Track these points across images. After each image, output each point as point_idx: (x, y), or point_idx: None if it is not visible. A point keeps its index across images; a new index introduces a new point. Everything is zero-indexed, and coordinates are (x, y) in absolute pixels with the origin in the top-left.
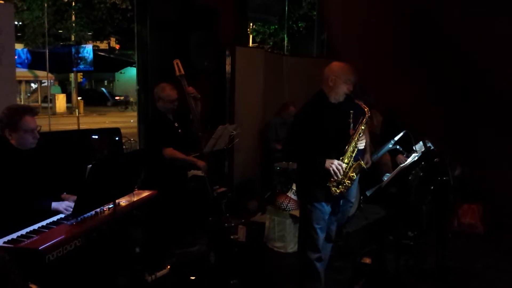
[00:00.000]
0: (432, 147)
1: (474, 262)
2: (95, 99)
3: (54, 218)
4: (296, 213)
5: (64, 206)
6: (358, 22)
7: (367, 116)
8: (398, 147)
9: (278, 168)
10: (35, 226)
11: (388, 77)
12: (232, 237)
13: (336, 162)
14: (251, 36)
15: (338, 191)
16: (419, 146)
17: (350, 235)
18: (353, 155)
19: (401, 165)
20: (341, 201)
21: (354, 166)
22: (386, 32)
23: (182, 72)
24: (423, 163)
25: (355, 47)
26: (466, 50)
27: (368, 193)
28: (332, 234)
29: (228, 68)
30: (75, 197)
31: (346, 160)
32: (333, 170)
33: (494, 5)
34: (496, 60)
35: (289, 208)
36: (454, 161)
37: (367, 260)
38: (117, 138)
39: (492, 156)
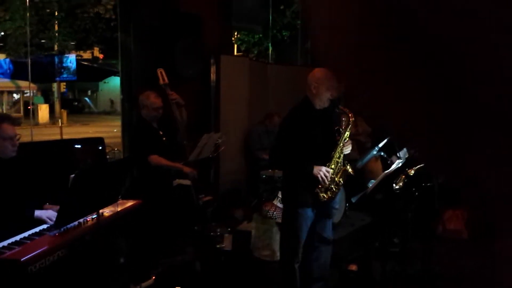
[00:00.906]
0: (416, 153)
1: (460, 267)
2: (78, 109)
3: (37, 229)
4: None
5: (48, 215)
6: (342, 29)
7: (351, 120)
8: (382, 153)
9: (264, 176)
10: (17, 237)
11: (373, 84)
12: (218, 246)
13: (323, 168)
14: (235, 45)
15: (326, 197)
16: (403, 153)
17: (336, 242)
18: (340, 160)
19: (385, 172)
20: (337, 204)
21: (340, 171)
22: (370, 39)
23: (166, 81)
24: (407, 169)
25: (339, 55)
26: (454, 54)
27: (353, 200)
28: (329, 238)
29: (213, 76)
30: (57, 207)
31: (332, 166)
32: (321, 176)
33: (484, 6)
34: (487, 63)
35: (275, 216)
36: (437, 170)
37: (354, 267)
38: (100, 148)
39: (475, 161)
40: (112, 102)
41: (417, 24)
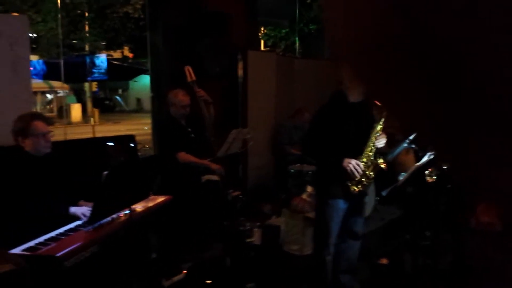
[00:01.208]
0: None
1: (492, 260)
2: (109, 108)
3: (71, 225)
4: (311, 215)
5: (82, 211)
6: (358, 26)
7: (383, 114)
8: (413, 146)
9: (292, 171)
10: (53, 234)
11: (385, 78)
12: (247, 240)
13: (353, 161)
14: (262, 40)
15: (357, 189)
16: None
17: (366, 236)
18: (371, 154)
19: (417, 164)
20: (367, 197)
21: (372, 165)
22: (384, 35)
23: (194, 78)
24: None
25: (355, 49)
26: (464, 53)
27: (383, 193)
28: (359, 233)
29: (240, 72)
30: (91, 204)
31: (364, 159)
32: (351, 169)
33: (485, 5)
34: (490, 62)
35: (304, 210)
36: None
37: (384, 261)
38: (132, 145)
39: (494, 157)
40: (138, 100)
41: (432, 21)
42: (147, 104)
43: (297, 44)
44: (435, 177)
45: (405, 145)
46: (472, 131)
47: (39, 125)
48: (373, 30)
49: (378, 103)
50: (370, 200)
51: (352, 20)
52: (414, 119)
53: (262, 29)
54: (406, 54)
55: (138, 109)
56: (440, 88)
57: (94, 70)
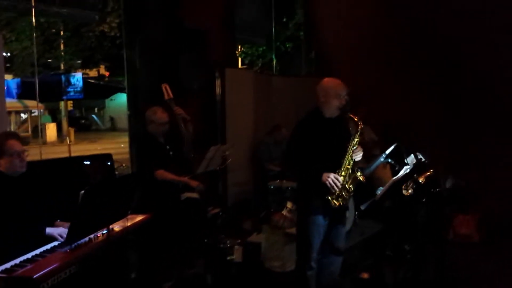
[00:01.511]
0: (423, 159)
1: (472, 271)
2: (85, 127)
3: (48, 246)
4: (292, 231)
5: (59, 231)
6: (351, 32)
7: (360, 127)
8: (389, 160)
9: (272, 187)
10: (29, 255)
11: (379, 91)
12: (228, 258)
13: (332, 175)
14: (240, 58)
15: (337, 203)
16: (411, 159)
17: (347, 250)
18: (350, 167)
19: (393, 178)
20: (346, 212)
21: (351, 178)
22: (383, 41)
23: (171, 95)
24: (415, 175)
25: (346, 61)
26: (464, 54)
27: (362, 207)
28: (340, 247)
29: (218, 89)
30: (68, 224)
31: (343, 173)
32: (330, 183)
33: (489, 7)
34: (492, 64)
35: (284, 226)
36: (446, 173)
37: (365, 275)
38: (109, 164)
39: (484, 165)
40: (112, 119)
41: (429, 28)
42: (120, 123)
43: (274, 62)
44: (411, 190)
45: (382, 159)
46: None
47: (14, 144)
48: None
49: (354, 117)
50: (350, 215)
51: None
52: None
53: (240, 47)
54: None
55: (112, 128)
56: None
57: (69, 89)
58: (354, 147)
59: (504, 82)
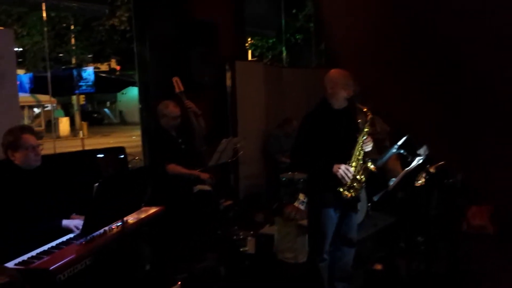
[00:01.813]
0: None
1: (486, 263)
2: (98, 121)
3: (64, 238)
4: (304, 222)
5: (75, 223)
6: (357, 31)
7: (368, 118)
8: (402, 151)
9: (284, 179)
10: (45, 247)
11: (387, 83)
12: (241, 249)
13: (343, 166)
14: (250, 50)
15: (349, 195)
16: (423, 150)
17: (360, 242)
18: (360, 158)
19: (406, 169)
20: (358, 204)
21: (362, 169)
22: (385, 40)
23: (182, 89)
24: (428, 166)
25: (355, 55)
26: (464, 54)
27: (375, 198)
28: (353, 239)
29: (228, 82)
30: (83, 217)
31: (353, 164)
32: (341, 174)
33: (489, 7)
34: (495, 62)
35: (296, 218)
36: (455, 167)
37: (379, 267)
38: (122, 156)
39: (484, 164)
40: (120, 113)
41: (433, 24)
42: (130, 117)
43: (284, 54)
44: (422, 181)
45: (394, 150)
46: (473, 131)
47: (29, 138)
48: (374, 29)
49: (363, 108)
50: (362, 207)
51: (353, 19)
52: (415, 118)
53: (249, 39)
54: (407, 54)
55: (122, 122)
56: (440, 88)
57: (81, 83)
58: (364, 137)
59: (504, 82)
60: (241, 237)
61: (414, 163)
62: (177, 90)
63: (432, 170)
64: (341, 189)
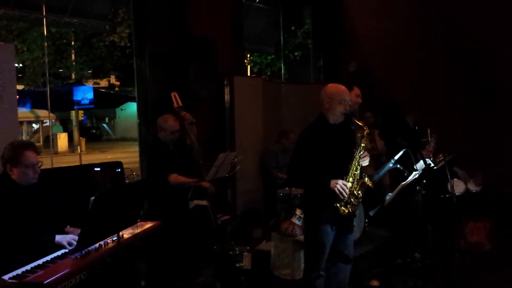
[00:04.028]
0: (432, 165)
1: (483, 280)
2: (96, 137)
3: (59, 252)
4: (301, 238)
5: (68, 239)
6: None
7: (365, 133)
8: (399, 166)
9: (281, 194)
10: (40, 261)
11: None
12: (237, 265)
13: (340, 181)
14: (249, 66)
15: (346, 210)
16: (420, 165)
17: (357, 258)
18: (357, 173)
19: (402, 184)
20: (354, 220)
21: (359, 184)
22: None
23: (180, 104)
24: (425, 181)
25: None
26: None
27: (371, 213)
28: (349, 255)
29: (227, 97)
30: (78, 230)
31: (350, 179)
32: (338, 189)
33: None
34: None
35: (294, 234)
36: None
37: (375, 283)
38: (119, 170)
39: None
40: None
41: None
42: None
43: (283, 70)
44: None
45: (391, 165)
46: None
47: (30, 155)
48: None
49: (359, 123)
50: (359, 223)
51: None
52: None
53: (248, 55)
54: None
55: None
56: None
57: (80, 99)
58: (361, 152)
59: None
60: (237, 252)
61: (411, 178)
62: (175, 105)
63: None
64: (338, 205)
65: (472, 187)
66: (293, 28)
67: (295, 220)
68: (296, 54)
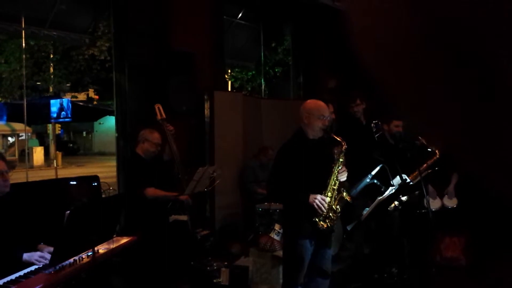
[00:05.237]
0: (408, 180)
1: None
2: (73, 151)
3: (32, 268)
4: (280, 254)
5: (36, 257)
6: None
7: (343, 148)
8: (375, 181)
9: (259, 209)
10: (13, 276)
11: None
12: (215, 280)
13: (319, 196)
14: (229, 82)
15: (325, 225)
16: (396, 180)
17: (334, 273)
18: (336, 188)
19: (378, 199)
20: (332, 235)
21: (337, 198)
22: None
23: (164, 116)
24: (401, 196)
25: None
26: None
27: (348, 228)
28: (327, 270)
29: (207, 112)
30: (50, 248)
31: (329, 194)
32: (317, 204)
33: None
34: None
35: (272, 249)
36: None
37: None
38: (95, 184)
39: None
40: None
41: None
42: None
43: (263, 86)
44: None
45: (368, 180)
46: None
47: None
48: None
49: (337, 138)
50: (337, 238)
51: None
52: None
53: (229, 71)
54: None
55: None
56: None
57: (58, 112)
58: (339, 167)
59: None
60: (215, 268)
61: (387, 193)
62: (159, 117)
63: (404, 199)
64: (317, 219)
65: (448, 203)
66: (273, 44)
67: (274, 235)
68: (276, 70)
